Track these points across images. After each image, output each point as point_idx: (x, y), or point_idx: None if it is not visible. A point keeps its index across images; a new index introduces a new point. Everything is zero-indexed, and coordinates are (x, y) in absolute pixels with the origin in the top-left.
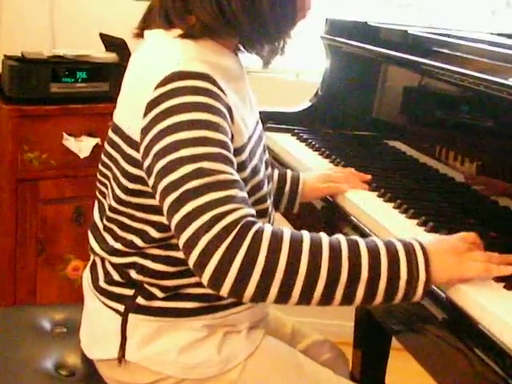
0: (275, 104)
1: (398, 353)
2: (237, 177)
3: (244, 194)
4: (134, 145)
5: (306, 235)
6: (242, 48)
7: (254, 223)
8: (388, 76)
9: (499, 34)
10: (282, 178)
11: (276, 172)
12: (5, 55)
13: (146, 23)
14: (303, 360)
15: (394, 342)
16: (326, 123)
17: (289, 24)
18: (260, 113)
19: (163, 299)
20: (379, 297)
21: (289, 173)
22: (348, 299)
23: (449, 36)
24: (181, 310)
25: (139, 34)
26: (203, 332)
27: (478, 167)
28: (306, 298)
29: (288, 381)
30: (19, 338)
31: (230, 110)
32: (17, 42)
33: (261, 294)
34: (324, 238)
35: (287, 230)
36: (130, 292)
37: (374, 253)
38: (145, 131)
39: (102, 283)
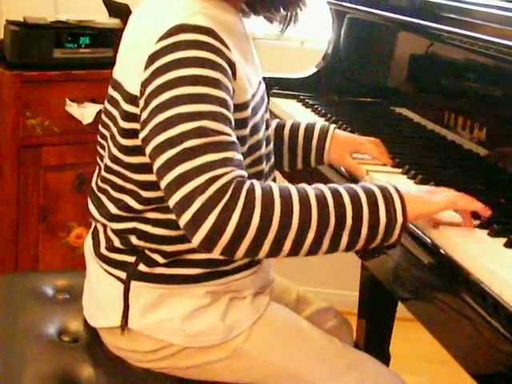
0: (280, 71)
1: (403, 323)
2: (234, 138)
3: (240, 157)
4: (133, 99)
5: (293, 190)
6: (250, 10)
7: (244, 182)
8: (395, 41)
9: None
10: (310, 129)
11: (303, 124)
12: (7, 20)
13: None
14: (308, 327)
15: (399, 312)
16: (332, 89)
17: None
18: (265, 78)
19: (165, 265)
20: (361, 242)
21: (317, 125)
22: (333, 248)
23: (458, 1)
24: (183, 276)
25: None
26: (207, 299)
27: (486, 134)
28: (295, 251)
29: (293, 348)
30: (22, 304)
31: (233, 65)
32: (19, 7)
33: (252, 252)
34: (309, 190)
35: (275, 187)
36: (131, 259)
37: (355, 201)
38: (145, 84)
39: (103, 250)
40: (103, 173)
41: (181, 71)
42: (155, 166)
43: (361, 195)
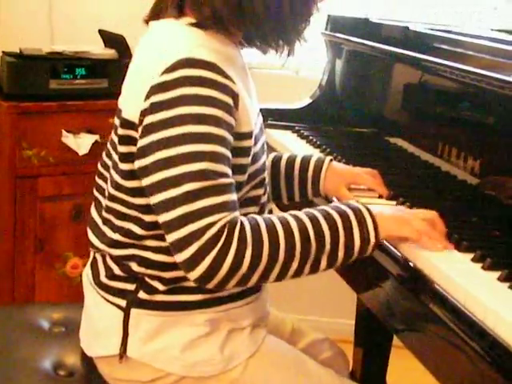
0: (275, 100)
1: (400, 351)
2: (231, 178)
3: (234, 197)
4: (130, 125)
5: (278, 224)
6: (249, 43)
7: (236, 224)
8: (389, 72)
9: (500, 30)
10: (305, 161)
11: (299, 156)
12: (3, 51)
13: (156, 12)
14: (304, 360)
15: (395, 340)
16: (326, 120)
17: (304, 17)
18: (261, 109)
19: (165, 292)
20: (338, 263)
21: (314, 157)
22: (312, 271)
23: (450, 32)
24: (182, 303)
25: (147, 22)
26: (206, 328)
27: (480, 165)
28: (279, 278)
29: (289, 381)
30: (17, 337)
31: (236, 96)
32: (15, 38)
33: (243, 283)
34: (292, 222)
35: (262, 223)
36: (131, 287)
37: (332, 227)
38: (145, 113)
39: (103, 278)
40: (107, 202)
41: (185, 108)
42: (154, 200)
43: (337, 220)
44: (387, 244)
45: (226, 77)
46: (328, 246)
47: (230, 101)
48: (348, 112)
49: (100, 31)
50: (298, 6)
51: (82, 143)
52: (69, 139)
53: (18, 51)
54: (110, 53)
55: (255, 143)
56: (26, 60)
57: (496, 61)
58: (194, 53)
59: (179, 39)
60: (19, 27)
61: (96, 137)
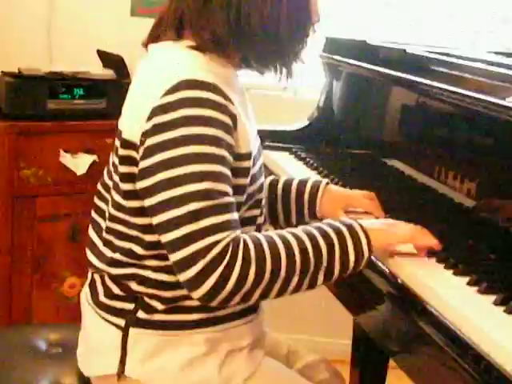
0: (273, 121)
1: (397, 372)
2: (232, 197)
3: (236, 216)
4: (130, 145)
5: (279, 242)
6: (246, 65)
7: (240, 242)
8: (386, 95)
9: (497, 53)
10: (302, 185)
11: (296, 180)
12: (2, 71)
13: (155, 35)
14: (301, 382)
15: (392, 361)
16: (324, 141)
17: (301, 39)
18: (258, 131)
19: (163, 312)
20: (333, 278)
21: (310, 181)
22: (310, 287)
23: (447, 55)
24: (181, 322)
25: (146, 45)
26: (205, 347)
27: (476, 187)
28: (279, 294)
29: None
30: (15, 358)
31: (234, 117)
32: (14, 58)
33: (245, 300)
34: (292, 241)
35: (264, 241)
36: (130, 306)
37: (329, 244)
38: (146, 135)
39: (102, 298)
40: (108, 223)
41: (186, 129)
42: (157, 220)
43: (333, 237)
44: (383, 267)
45: (225, 98)
46: (325, 263)
47: (229, 121)
48: (345, 134)
49: (98, 52)
50: (295, 28)
51: (79, 163)
52: (67, 159)
53: (17, 71)
54: (109, 73)
55: (254, 164)
56: (25, 80)
57: (492, 84)
58: (194, 75)
59: (179, 62)
60: (18, 47)
61: (94, 157)
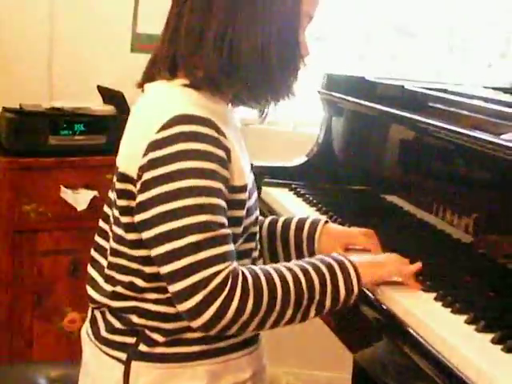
0: (272, 156)
1: None
2: (229, 229)
3: (233, 248)
4: (127, 179)
5: (275, 276)
6: (238, 101)
7: (238, 274)
8: (385, 131)
9: (495, 88)
10: (300, 223)
11: (295, 219)
12: (3, 107)
13: (149, 75)
14: None
15: None
16: (323, 178)
17: (292, 72)
18: (258, 167)
19: (164, 344)
20: (324, 312)
21: (309, 219)
22: (302, 320)
23: (445, 91)
24: (182, 354)
25: (141, 85)
26: (206, 380)
27: (473, 223)
28: (274, 326)
29: None
30: None
31: (228, 151)
32: (15, 94)
33: (242, 330)
34: (287, 274)
35: (261, 274)
36: (131, 340)
37: (321, 280)
38: (143, 169)
39: (103, 332)
40: (110, 258)
41: (182, 163)
42: (156, 252)
43: (325, 273)
44: (382, 305)
45: (219, 132)
46: (317, 297)
47: (223, 154)
48: (344, 170)
49: (99, 87)
50: (285, 62)
51: (80, 199)
52: (67, 195)
53: (18, 107)
54: (109, 109)
55: (249, 197)
56: (26, 116)
57: (489, 121)
58: (188, 110)
59: (174, 98)
60: (19, 83)
61: (94, 192)
